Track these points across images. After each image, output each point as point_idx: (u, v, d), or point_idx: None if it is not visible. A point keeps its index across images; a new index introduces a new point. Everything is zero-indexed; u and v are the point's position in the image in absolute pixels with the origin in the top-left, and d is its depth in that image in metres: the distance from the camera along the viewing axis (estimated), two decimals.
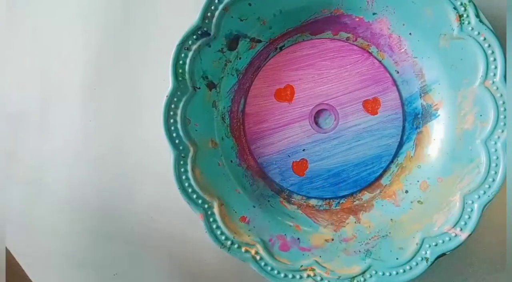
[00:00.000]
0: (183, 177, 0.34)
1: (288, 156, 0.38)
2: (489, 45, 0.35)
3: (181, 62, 0.33)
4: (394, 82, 0.38)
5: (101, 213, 0.39)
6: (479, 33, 0.35)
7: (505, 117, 0.35)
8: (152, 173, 0.38)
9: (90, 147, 0.39)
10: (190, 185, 0.34)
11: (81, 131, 0.39)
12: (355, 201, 0.38)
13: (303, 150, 0.38)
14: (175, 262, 0.38)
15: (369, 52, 0.38)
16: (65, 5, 0.39)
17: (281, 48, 0.38)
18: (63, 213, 0.39)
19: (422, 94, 0.38)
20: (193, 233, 0.38)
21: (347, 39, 0.38)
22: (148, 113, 0.39)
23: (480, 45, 0.35)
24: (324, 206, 0.38)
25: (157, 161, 0.38)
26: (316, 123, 0.38)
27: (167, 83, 0.34)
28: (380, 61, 0.38)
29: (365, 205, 0.38)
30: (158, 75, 0.38)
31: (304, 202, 0.38)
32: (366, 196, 0.38)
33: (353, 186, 0.38)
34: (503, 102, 0.35)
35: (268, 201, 0.37)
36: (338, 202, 0.38)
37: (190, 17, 0.37)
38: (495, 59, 0.35)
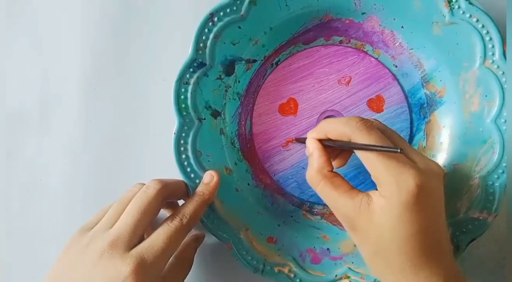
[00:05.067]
0: (206, 212, 0.34)
1: (303, 168, 0.38)
2: (483, 26, 0.35)
3: (182, 97, 0.33)
4: (394, 77, 0.38)
5: None
6: (471, 15, 0.35)
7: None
8: (152, 173, 0.37)
9: (90, 147, 0.38)
10: (213, 217, 0.34)
11: (81, 131, 0.39)
12: None
13: None
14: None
15: (365, 52, 0.38)
16: (65, 5, 0.39)
17: (277, 64, 0.38)
18: (63, 213, 0.39)
19: (424, 84, 0.38)
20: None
21: (341, 42, 0.38)
22: (148, 113, 0.38)
23: (474, 27, 0.35)
24: None
25: (158, 161, 0.38)
26: None
27: (168, 83, 0.34)
28: (377, 59, 0.38)
29: None
30: (158, 75, 0.38)
31: (327, 211, 0.38)
32: None
33: (371, 186, 0.38)
34: (505, 80, 0.35)
35: (291, 216, 0.37)
36: None
37: (188, 17, 0.38)
38: (491, 39, 0.35)
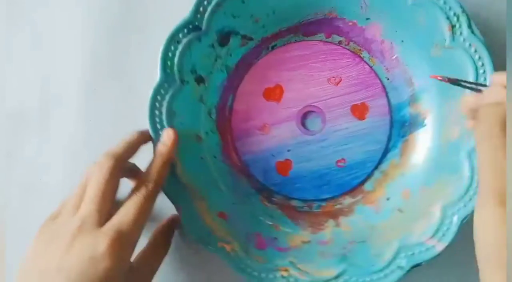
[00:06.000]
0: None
1: (273, 155, 0.38)
2: (480, 57, 0.35)
3: (170, 54, 0.33)
4: (384, 89, 0.38)
5: None
6: (470, 44, 0.35)
7: None
8: None
9: (90, 147, 0.39)
10: (171, 178, 0.34)
11: (81, 131, 0.39)
12: (336, 205, 0.38)
13: (288, 150, 0.38)
14: (175, 262, 0.39)
15: (361, 57, 0.38)
16: (65, 5, 0.39)
17: (273, 48, 0.38)
18: None
19: (411, 103, 0.38)
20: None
21: (340, 42, 0.38)
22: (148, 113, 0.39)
23: (471, 56, 0.35)
24: (305, 207, 0.38)
25: None
26: (303, 125, 0.38)
27: None
28: (371, 67, 0.38)
29: (345, 209, 0.38)
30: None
31: (285, 202, 0.38)
32: (347, 200, 0.38)
33: (336, 189, 0.38)
34: None
35: (249, 198, 0.37)
36: (319, 205, 0.38)
37: None
38: (484, 72, 0.35)
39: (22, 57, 0.40)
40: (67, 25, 0.39)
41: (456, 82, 0.33)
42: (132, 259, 0.31)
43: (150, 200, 0.30)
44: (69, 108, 0.39)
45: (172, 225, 0.36)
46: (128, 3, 0.39)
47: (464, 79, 0.33)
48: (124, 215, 0.29)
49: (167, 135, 0.33)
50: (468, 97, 0.31)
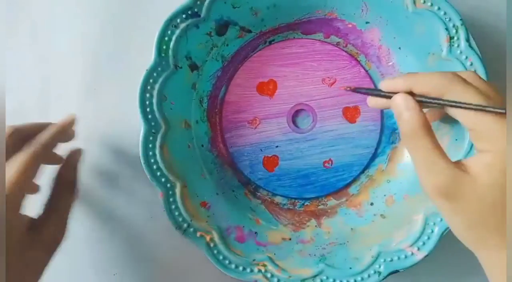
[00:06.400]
0: (150, 153, 0.33)
1: (261, 150, 0.38)
2: (475, 71, 0.35)
3: (166, 38, 0.33)
4: None
5: (101, 212, 0.39)
6: (466, 57, 0.35)
7: None
8: None
9: (90, 147, 0.38)
10: (156, 162, 0.33)
11: (81, 131, 0.39)
12: (319, 205, 0.38)
13: (276, 146, 0.38)
14: (176, 262, 0.38)
15: (357, 60, 0.38)
16: (65, 5, 0.39)
17: (270, 42, 0.38)
18: None
19: None
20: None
21: (338, 44, 0.38)
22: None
23: (466, 69, 0.35)
24: (288, 205, 0.38)
25: None
26: (294, 122, 0.38)
27: None
28: (366, 71, 0.38)
29: (329, 210, 0.38)
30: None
31: (269, 198, 0.38)
32: (331, 202, 0.38)
33: (320, 190, 0.38)
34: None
35: (233, 191, 0.37)
36: (303, 204, 0.38)
37: None
38: None
39: (22, 57, 0.39)
40: (67, 25, 0.39)
41: (356, 90, 0.31)
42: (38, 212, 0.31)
43: (34, 160, 0.29)
44: (68, 108, 0.39)
45: (74, 159, 0.34)
46: (128, 2, 0.39)
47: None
48: (8, 173, 0.28)
49: (69, 116, 0.33)
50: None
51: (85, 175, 0.38)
